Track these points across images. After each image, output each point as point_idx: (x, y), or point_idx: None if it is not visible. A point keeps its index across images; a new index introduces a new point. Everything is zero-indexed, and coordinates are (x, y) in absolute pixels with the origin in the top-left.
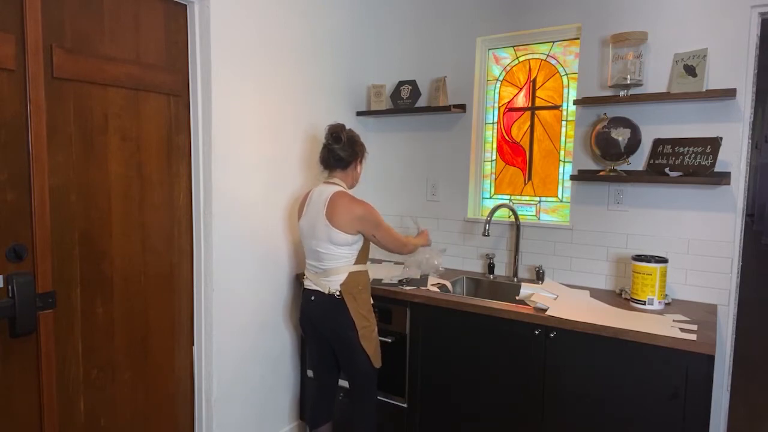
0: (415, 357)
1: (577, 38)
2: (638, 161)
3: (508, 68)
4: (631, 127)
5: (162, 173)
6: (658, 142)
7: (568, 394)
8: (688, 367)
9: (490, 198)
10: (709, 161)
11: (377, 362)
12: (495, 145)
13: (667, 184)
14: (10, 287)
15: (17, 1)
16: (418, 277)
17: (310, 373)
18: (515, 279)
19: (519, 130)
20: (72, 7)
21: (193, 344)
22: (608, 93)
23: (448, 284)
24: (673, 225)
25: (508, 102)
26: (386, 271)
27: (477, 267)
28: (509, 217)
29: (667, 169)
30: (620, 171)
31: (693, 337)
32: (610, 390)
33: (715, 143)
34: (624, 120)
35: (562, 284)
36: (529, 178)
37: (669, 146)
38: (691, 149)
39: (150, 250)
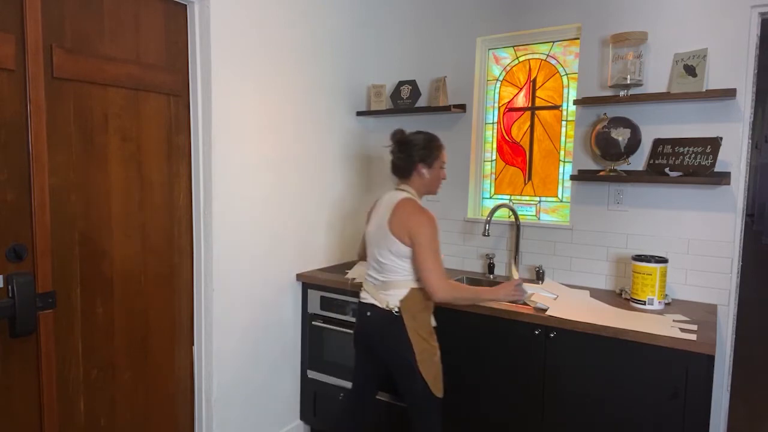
0: None
1: (577, 38)
2: (638, 161)
3: (508, 68)
4: (631, 127)
5: (162, 173)
6: (658, 142)
7: (568, 394)
8: (688, 367)
9: (490, 198)
10: (709, 161)
11: (438, 390)
12: (495, 145)
13: (667, 184)
14: (10, 287)
15: (17, 1)
16: None
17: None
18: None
19: (519, 130)
20: (72, 7)
21: (193, 344)
22: (608, 93)
23: None
24: (673, 225)
25: (508, 102)
26: None
27: (477, 267)
28: (509, 217)
29: (667, 169)
30: (620, 171)
31: (693, 337)
32: (610, 390)
33: (715, 143)
34: (624, 120)
35: (562, 284)
36: (529, 178)
37: (669, 146)
38: (691, 149)
39: (150, 250)
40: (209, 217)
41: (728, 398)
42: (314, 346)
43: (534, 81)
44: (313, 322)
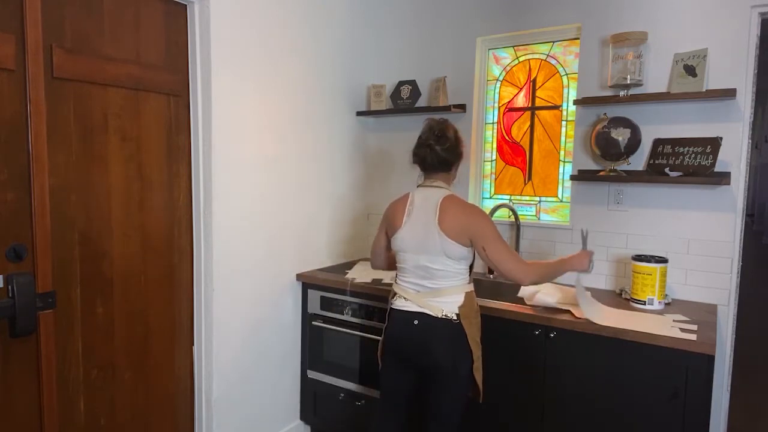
0: None
1: (577, 38)
2: (638, 161)
3: (508, 68)
4: (631, 127)
5: (162, 173)
6: (658, 142)
7: (569, 394)
8: (688, 367)
9: (490, 198)
10: (709, 161)
11: (482, 396)
12: (495, 145)
13: (667, 184)
14: (10, 287)
15: (17, 1)
16: None
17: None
18: None
19: (519, 130)
20: (72, 7)
21: (193, 344)
22: (608, 93)
23: None
24: (673, 225)
25: (508, 102)
26: (387, 272)
27: (477, 267)
28: (509, 217)
29: (667, 169)
30: (620, 171)
31: (693, 337)
32: (610, 390)
33: (715, 143)
34: (624, 120)
35: (562, 284)
36: (529, 178)
37: (669, 146)
38: (691, 149)
39: (150, 250)
40: (209, 217)
41: (728, 398)
42: (314, 346)
43: (534, 81)
44: (313, 322)
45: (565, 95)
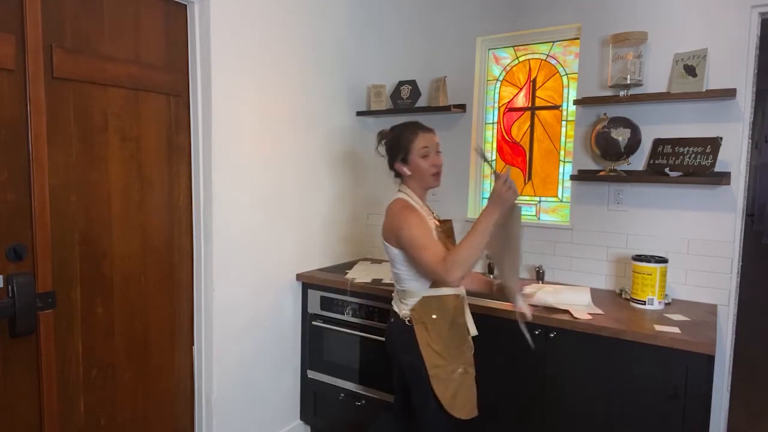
0: None
1: (577, 38)
2: (638, 161)
3: (508, 68)
4: (631, 127)
5: (162, 173)
6: (658, 142)
7: (569, 394)
8: (688, 367)
9: None
10: (709, 161)
11: (458, 411)
12: (495, 145)
13: (667, 184)
14: (10, 287)
15: (17, 1)
16: None
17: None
18: None
19: (519, 130)
20: (72, 7)
21: (193, 344)
22: (608, 93)
23: None
24: (673, 225)
25: (508, 102)
26: (387, 272)
27: (477, 267)
28: None
29: (667, 169)
30: (620, 171)
31: (693, 337)
32: (610, 390)
33: (715, 143)
34: (624, 120)
35: (563, 284)
36: (529, 178)
37: (669, 146)
38: (691, 149)
39: (150, 250)
40: (209, 217)
41: (728, 398)
42: (314, 346)
43: (534, 81)
44: (313, 322)
45: (565, 95)
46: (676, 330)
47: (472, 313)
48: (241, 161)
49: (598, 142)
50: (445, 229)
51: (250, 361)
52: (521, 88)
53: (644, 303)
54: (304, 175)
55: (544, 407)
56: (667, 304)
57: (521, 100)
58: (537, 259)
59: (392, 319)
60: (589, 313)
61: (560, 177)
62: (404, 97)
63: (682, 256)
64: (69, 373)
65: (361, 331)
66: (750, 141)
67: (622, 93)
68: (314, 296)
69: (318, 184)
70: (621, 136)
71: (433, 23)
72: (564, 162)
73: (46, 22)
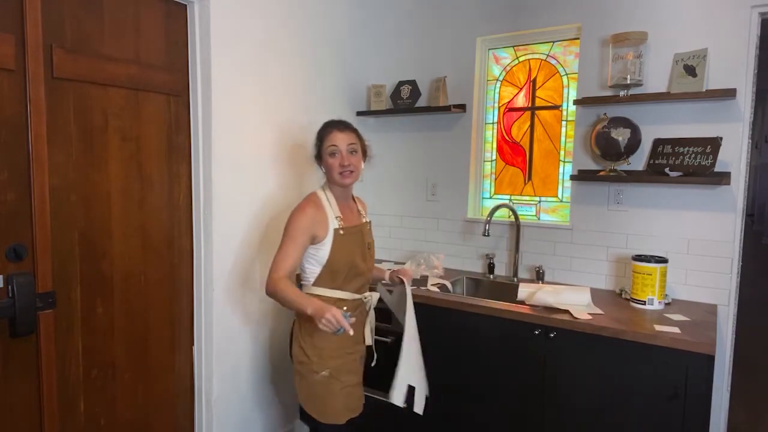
0: None
1: (577, 38)
2: (638, 161)
3: (508, 68)
4: (631, 127)
5: (162, 173)
6: (658, 142)
7: (568, 394)
8: (688, 367)
9: (490, 198)
10: (709, 161)
11: (321, 415)
12: (495, 145)
13: (667, 184)
14: (10, 287)
15: (17, 1)
16: (418, 277)
17: None
18: (515, 279)
19: (519, 130)
20: (72, 7)
21: (193, 344)
22: (608, 93)
23: (448, 284)
24: (673, 225)
25: (508, 102)
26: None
27: (477, 267)
28: (509, 217)
29: (667, 169)
30: (620, 171)
31: (693, 337)
32: (610, 390)
33: (715, 143)
34: (624, 120)
35: (562, 284)
36: (529, 178)
37: (669, 146)
38: (691, 149)
39: (150, 250)
40: (209, 217)
41: (728, 398)
42: None
43: (534, 81)
44: None
45: (565, 95)
46: (676, 330)
47: (470, 314)
48: (241, 161)
49: (598, 142)
50: (354, 231)
51: (250, 361)
52: (521, 88)
53: (644, 303)
54: (304, 174)
55: (544, 407)
56: (667, 304)
57: (521, 100)
58: (537, 259)
59: None
60: (589, 313)
61: (560, 177)
62: (404, 97)
63: (682, 256)
64: (69, 373)
65: None
66: (750, 141)
67: (622, 93)
68: None
69: (318, 183)
70: (621, 136)
71: (433, 23)
72: (564, 162)
73: (46, 22)
